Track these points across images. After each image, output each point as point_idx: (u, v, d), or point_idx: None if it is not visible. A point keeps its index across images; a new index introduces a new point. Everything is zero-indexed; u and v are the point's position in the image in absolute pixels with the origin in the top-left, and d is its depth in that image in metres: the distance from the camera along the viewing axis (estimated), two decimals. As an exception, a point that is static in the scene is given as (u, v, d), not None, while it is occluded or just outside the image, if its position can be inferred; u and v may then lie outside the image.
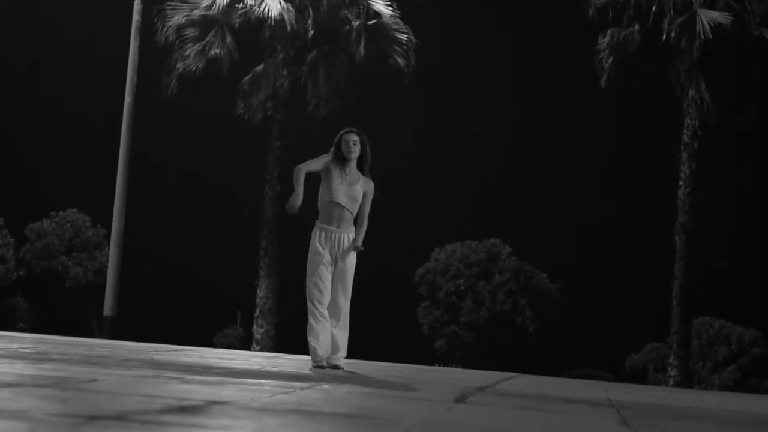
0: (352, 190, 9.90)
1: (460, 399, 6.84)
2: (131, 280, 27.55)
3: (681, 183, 26.05)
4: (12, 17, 36.21)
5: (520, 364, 27.20)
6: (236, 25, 26.49)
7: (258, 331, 26.16)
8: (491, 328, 34.95)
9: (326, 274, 9.90)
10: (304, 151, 12.43)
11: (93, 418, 4.00)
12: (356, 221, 10.08)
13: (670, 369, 26.00)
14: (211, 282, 39.19)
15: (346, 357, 10.11)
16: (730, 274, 37.99)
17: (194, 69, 26.43)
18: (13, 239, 34.06)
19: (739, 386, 31.59)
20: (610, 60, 26.61)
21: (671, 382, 25.47)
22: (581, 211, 41.85)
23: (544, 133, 45.44)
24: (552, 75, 43.58)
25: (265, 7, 25.61)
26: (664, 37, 26.16)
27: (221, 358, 11.13)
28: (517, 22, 42.52)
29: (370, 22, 26.66)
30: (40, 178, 40.84)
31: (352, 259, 10.02)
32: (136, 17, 25.90)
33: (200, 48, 26.36)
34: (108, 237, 27.45)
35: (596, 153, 43.03)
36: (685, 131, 26.19)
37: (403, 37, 26.60)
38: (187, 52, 26.42)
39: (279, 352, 21.71)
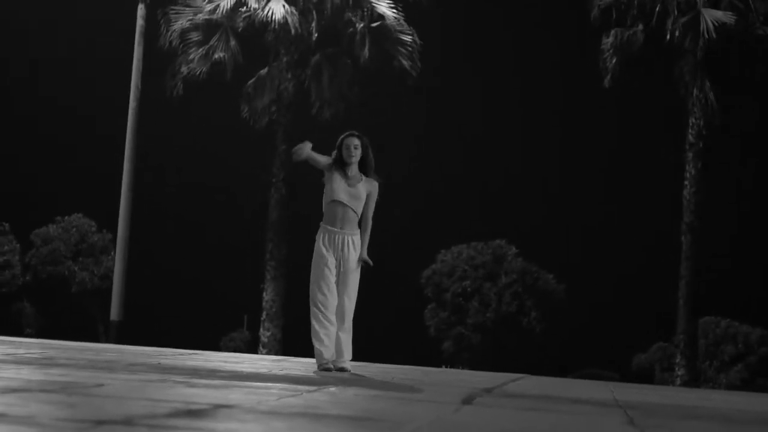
0: (354, 189, 9.86)
1: (467, 400, 6.84)
2: (137, 284, 27.61)
3: (686, 182, 26.01)
4: (12, 17, 36.22)
5: (526, 365, 27.22)
6: (240, 29, 26.49)
7: (265, 335, 26.15)
8: (498, 329, 34.95)
9: (330, 276, 9.84)
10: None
11: (100, 422, 4.00)
12: (360, 224, 10.05)
13: (677, 369, 25.97)
14: (216, 286, 39.22)
15: (352, 359, 10.09)
16: (735, 273, 37.98)
17: (198, 73, 26.45)
18: (18, 245, 34.12)
19: (746, 385, 31.59)
20: (614, 60, 26.60)
21: (678, 381, 25.44)
22: (586, 211, 41.85)
23: (548, 133, 45.48)
24: (555, 75, 43.62)
25: (268, 11, 25.60)
26: (668, 37, 26.14)
27: (227, 362, 11.14)
28: (518, 22, 42.52)
29: (374, 24, 26.59)
30: (44, 182, 40.86)
31: (356, 262, 9.98)
32: (140, 22, 25.94)
33: (204, 52, 26.37)
34: (114, 242, 27.48)
35: (600, 153, 43.05)
36: (690, 131, 26.16)
37: (407, 38, 26.52)
38: (191, 56, 26.42)
39: (286, 355, 21.70)
